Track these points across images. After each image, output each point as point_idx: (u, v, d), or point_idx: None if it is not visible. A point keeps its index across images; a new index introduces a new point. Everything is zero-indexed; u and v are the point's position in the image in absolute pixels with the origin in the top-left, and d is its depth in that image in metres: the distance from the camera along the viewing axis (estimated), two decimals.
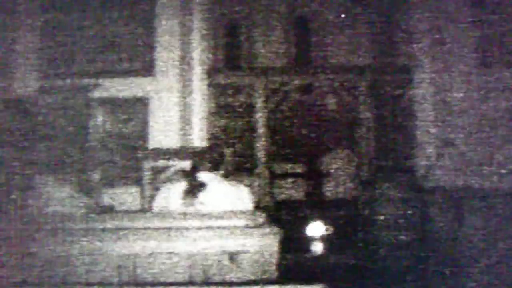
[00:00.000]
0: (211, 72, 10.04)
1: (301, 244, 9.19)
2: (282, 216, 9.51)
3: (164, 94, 9.35)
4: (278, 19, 11.18)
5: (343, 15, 10.96)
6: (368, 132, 10.25)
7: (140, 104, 9.40)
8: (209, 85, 9.99)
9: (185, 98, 9.36)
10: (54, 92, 9.03)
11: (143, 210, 8.00)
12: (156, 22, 9.41)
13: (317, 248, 9.37)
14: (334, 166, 10.79)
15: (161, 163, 8.69)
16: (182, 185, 4.48)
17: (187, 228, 4.03)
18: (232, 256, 3.94)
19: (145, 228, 4.05)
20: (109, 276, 3.93)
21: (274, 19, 11.15)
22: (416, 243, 8.42)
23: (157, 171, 8.62)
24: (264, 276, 3.90)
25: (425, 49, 9.62)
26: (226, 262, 3.94)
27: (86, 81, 9.23)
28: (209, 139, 9.65)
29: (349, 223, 9.34)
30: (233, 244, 3.96)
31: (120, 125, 9.39)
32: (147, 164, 8.77)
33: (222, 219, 4.11)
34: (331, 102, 10.61)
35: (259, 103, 10.48)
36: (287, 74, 10.77)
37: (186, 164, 4.76)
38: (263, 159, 10.38)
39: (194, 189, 4.43)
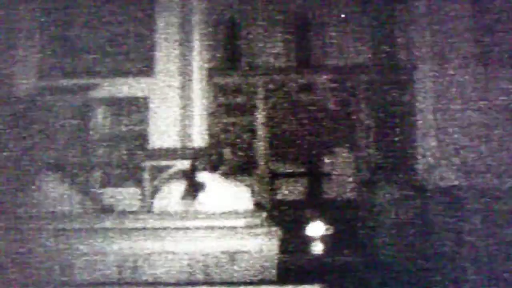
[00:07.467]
0: (211, 72, 10.03)
1: (301, 244, 9.19)
2: (282, 216, 9.49)
3: (164, 94, 9.34)
4: (278, 19, 11.16)
5: (343, 15, 10.94)
6: (368, 132, 10.24)
7: (140, 104, 9.40)
8: (209, 85, 9.99)
9: (185, 98, 9.35)
10: (54, 92, 9.02)
11: (143, 210, 8.00)
12: (156, 22, 9.41)
13: (317, 248, 9.36)
14: (334, 166, 10.78)
15: (161, 163, 8.68)
16: (182, 185, 4.48)
17: (187, 228, 4.02)
18: (232, 256, 3.94)
19: (145, 228, 4.05)
20: (109, 276, 3.93)
21: (274, 19, 11.14)
22: (416, 243, 8.42)
23: (157, 171, 8.60)
24: (264, 276, 3.90)
25: (425, 49, 9.62)
26: (226, 262, 3.93)
27: (86, 81, 9.22)
28: (209, 139, 9.64)
29: (349, 223, 9.34)
30: (233, 244, 3.96)
31: (120, 125, 9.38)
32: (147, 164, 8.76)
33: (222, 219, 4.10)
34: (331, 102, 10.60)
35: (259, 103, 10.48)
36: (287, 74, 10.76)
37: (186, 164, 4.76)
38: (263, 159, 10.37)
39: (194, 189, 4.43)
